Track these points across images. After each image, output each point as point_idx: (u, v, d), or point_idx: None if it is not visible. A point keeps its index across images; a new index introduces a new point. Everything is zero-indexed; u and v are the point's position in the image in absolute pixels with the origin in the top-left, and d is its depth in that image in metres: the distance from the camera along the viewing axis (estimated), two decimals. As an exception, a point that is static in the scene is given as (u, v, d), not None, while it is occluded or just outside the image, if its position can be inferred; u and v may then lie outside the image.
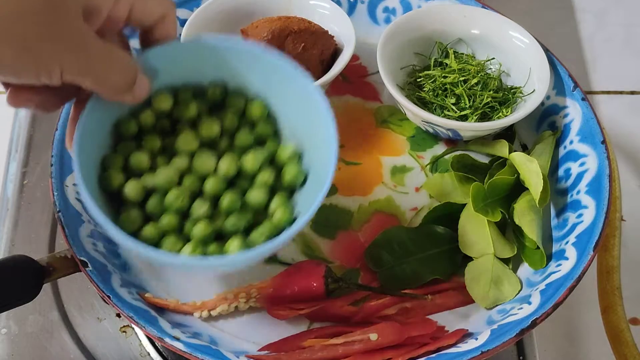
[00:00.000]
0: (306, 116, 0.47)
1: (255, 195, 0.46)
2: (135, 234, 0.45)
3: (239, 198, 0.46)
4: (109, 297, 0.49)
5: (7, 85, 0.41)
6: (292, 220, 0.46)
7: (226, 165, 0.46)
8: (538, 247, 0.54)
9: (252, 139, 0.48)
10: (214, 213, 0.46)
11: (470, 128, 0.58)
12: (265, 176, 0.47)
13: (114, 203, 0.46)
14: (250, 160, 0.47)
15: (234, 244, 0.44)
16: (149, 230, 0.45)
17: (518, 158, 0.56)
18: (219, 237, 0.46)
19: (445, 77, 0.62)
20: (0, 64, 0.37)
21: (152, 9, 0.43)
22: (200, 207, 0.45)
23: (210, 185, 0.46)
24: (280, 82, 0.48)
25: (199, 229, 0.45)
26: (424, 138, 0.63)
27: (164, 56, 0.46)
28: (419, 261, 0.54)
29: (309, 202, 0.44)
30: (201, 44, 0.47)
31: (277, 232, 0.45)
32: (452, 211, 0.56)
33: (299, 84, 0.47)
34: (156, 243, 0.45)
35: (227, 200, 0.46)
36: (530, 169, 0.55)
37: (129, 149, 0.47)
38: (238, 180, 0.47)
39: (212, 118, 0.48)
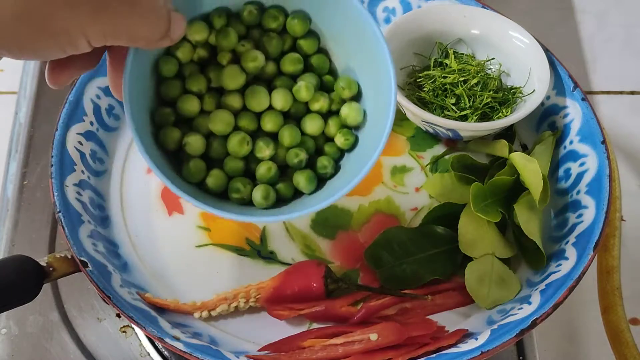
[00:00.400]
0: (357, 42, 0.45)
1: (314, 125, 0.46)
2: (199, 184, 0.45)
3: (298, 131, 0.45)
4: (109, 297, 0.49)
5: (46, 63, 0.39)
6: (352, 147, 0.46)
7: (281, 100, 0.45)
8: (538, 247, 0.54)
9: (301, 66, 0.46)
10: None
11: (470, 128, 0.58)
12: (320, 103, 0.46)
13: (163, 152, 0.45)
14: (304, 91, 0.45)
15: (302, 178, 0.44)
16: (213, 179, 0.44)
17: (518, 158, 0.56)
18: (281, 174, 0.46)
19: (445, 77, 0.62)
20: (20, 46, 0.34)
21: None
22: (265, 149, 0.45)
23: (269, 124, 0.45)
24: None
25: (265, 171, 0.44)
26: (424, 138, 0.63)
27: None
28: (419, 261, 0.54)
29: (370, 137, 0.44)
30: None
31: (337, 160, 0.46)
32: (452, 211, 0.56)
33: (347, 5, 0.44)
34: (222, 191, 0.45)
35: (287, 135, 0.45)
36: (530, 169, 0.55)
37: (174, 90, 0.45)
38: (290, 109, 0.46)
39: (253, 48, 0.46)
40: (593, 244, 0.52)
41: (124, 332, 0.60)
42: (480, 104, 0.60)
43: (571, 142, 0.59)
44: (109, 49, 0.42)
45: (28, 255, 0.51)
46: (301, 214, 0.42)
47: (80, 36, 0.35)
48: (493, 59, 0.64)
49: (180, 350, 0.47)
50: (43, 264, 0.51)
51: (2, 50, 0.35)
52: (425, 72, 0.63)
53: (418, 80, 0.63)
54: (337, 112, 0.48)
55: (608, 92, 0.81)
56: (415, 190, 0.60)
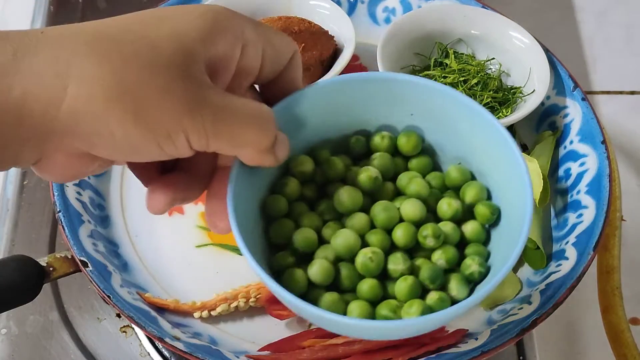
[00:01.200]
0: (485, 152, 0.41)
1: (449, 250, 0.40)
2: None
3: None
4: (109, 297, 0.49)
5: (147, 183, 0.36)
6: (485, 274, 0.39)
7: (412, 210, 0.40)
8: (538, 247, 0.54)
9: (425, 185, 0.41)
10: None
11: (470, 128, 0.58)
12: (451, 225, 0.40)
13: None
14: (446, 206, 0.40)
15: (454, 283, 0.39)
16: (358, 310, 0.38)
17: (518, 158, 0.56)
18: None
19: (445, 77, 0.62)
20: (112, 136, 0.30)
21: (282, 51, 0.36)
22: (397, 264, 0.39)
23: (403, 237, 0.39)
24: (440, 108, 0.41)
25: (404, 288, 0.38)
26: (424, 138, 0.63)
27: (292, 109, 0.39)
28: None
29: (501, 253, 0.39)
30: (324, 85, 0.40)
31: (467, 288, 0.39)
32: (452, 211, 0.56)
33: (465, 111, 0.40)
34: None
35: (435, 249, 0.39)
36: (530, 169, 0.55)
37: (287, 230, 0.40)
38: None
39: (363, 166, 0.41)
40: (593, 244, 0.52)
41: (124, 332, 0.60)
42: (480, 104, 0.60)
43: (571, 142, 0.59)
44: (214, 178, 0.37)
45: (28, 255, 0.51)
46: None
47: (179, 132, 0.31)
48: (493, 59, 0.64)
49: (180, 350, 0.47)
50: (43, 264, 0.51)
51: (95, 141, 0.31)
52: (426, 72, 0.63)
53: (418, 80, 0.63)
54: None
55: (608, 92, 0.81)
56: (415, 190, 0.60)
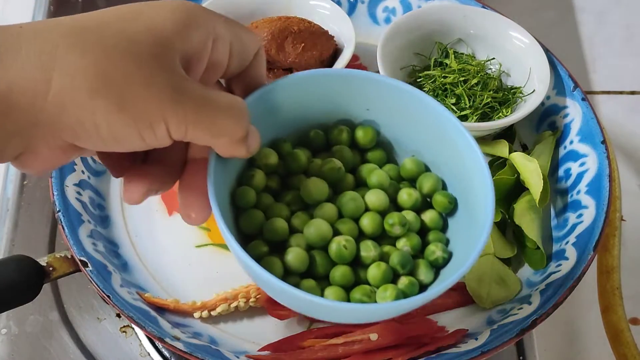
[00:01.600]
0: (439, 144, 0.43)
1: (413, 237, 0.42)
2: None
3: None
4: (109, 297, 0.49)
5: (120, 174, 0.37)
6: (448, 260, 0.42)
7: (377, 199, 0.42)
8: (538, 247, 0.54)
9: (386, 176, 0.43)
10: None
11: (470, 128, 0.58)
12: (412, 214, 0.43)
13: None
14: (406, 196, 0.43)
15: (422, 268, 0.41)
16: (333, 294, 0.40)
17: (518, 158, 0.56)
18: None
19: (445, 77, 0.62)
20: (96, 125, 0.31)
21: (248, 46, 0.37)
22: (369, 251, 0.41)
23: (370, 225, 0.41)
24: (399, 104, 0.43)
25: (377, 274, 0.40)
26: (424, 138, 0.63)
27: (259, 104, 0.40)
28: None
29: (461, 240, 0.41)
30: (288, 81, 0.42)
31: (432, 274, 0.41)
32: (452, 211, 0.56)
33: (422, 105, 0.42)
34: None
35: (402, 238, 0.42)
36: (530, 169, 0.55)
37: (256, 221, 0.41)
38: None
39: (329, 157, 0.43)
40: (593, 244, 0.52)
41: (124, 332, 0.60)
42: (480, 104, 0.60)
43: (571, 142, 0.59)
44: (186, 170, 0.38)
45: (28, 255, 0.51)
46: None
47: (160, 121, 0.32)
48: (493, 59, 0.64)
49: (180, 350, 0.47)
50: (43, 264, 0.51)
51: (79, 132, 0.31)
52: (426, 72, 0.63)
53: (418, 80, 0.63)
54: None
55: (608, 92, 0.81)
56: (415, 190, 0.60)
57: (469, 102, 0.60)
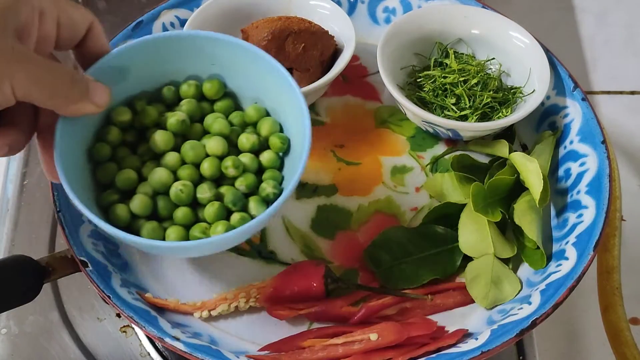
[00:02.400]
0: (265, 85, 0.49)
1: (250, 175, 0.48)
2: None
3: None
4: (109, 297, 0.49)
5: None
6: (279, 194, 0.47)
7: (216, 145, 0.48)
8: (538, 247, 0.54)
9: (226, 124, 0.49)
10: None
11: (470, 128, 0.58)
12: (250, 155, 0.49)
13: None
14: (245, 139, 0.49)
15: (253, 204, 0.47)
16: (174, 234, 0.46)
17: (518, 158, 0.56)
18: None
19: (445, 77, 0.62)
20: None
21: (77, 20, 0.43)
22: (204, 192, 0.47)
23: (209, 169, 0.47)
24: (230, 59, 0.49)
25: (211, 212, 0.46)
26: (424, 138, 0.63)
27: (107, 69, 0.46)
28: (417, 261, 0.54)
29: (291, 175, 0.46)
30: (135, 45, 0.48)
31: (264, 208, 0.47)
32: (452, 211, 0.56)
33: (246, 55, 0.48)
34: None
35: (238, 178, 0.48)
36: (530, 169, 0.55)
37: (111, 172, 0.48)
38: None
39: (173, 111, 0.49)
40: (593, 244, 0.52)
41: (124, 332, 0.60)
42: (480, 104, 0.60)
43: (571, 142, 0.59)
44: (38, 134, 0.44)
45: (28, 255, 0.51)
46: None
47: (5, 80, 0.37)
48: (493, 59, 0.64)
49: (180, 350, 0.47)
50: (43, 263, 0.51)
51: None
52: (426, 72, 0.63)
53: (418, 80, 0.63)
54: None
55: (608, 92, 0.81)
56: (416, 190, 0.60)
57: (469, 102, 0.60)
